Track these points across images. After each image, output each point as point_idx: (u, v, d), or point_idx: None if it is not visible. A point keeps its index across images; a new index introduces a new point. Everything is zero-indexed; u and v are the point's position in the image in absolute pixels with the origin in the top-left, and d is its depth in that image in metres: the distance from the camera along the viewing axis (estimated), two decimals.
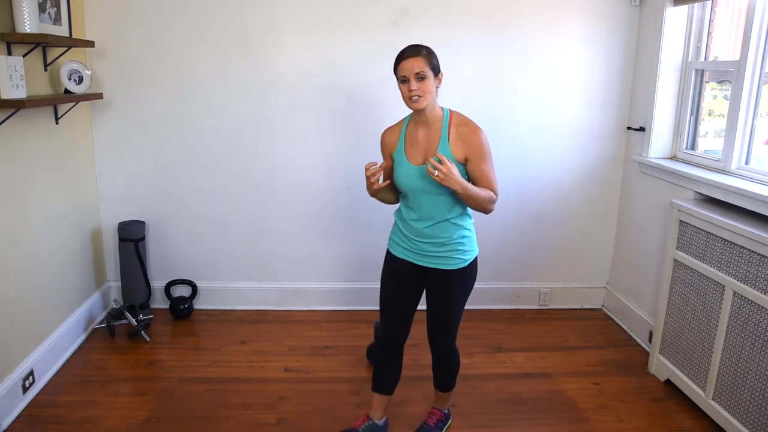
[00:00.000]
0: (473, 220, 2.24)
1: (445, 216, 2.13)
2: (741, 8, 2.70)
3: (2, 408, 2.37)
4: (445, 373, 2.39)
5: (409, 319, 2.30)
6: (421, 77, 2.02)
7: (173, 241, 3.51)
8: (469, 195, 2.02)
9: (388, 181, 2.18)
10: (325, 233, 3.53)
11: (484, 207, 2.10)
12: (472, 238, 2.21)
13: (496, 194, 2.10)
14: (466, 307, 2.23)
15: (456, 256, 2.16)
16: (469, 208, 2.18)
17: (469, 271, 2.20)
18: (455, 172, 1.96)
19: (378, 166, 2.10)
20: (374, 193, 2.19)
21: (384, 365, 2.37)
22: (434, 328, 2.29)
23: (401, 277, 2.25)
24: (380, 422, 2.41)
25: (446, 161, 1.95)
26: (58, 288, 2.94)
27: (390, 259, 2.28)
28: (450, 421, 2.52)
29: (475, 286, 2.26)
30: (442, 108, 2.14)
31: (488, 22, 3.28)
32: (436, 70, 2.07)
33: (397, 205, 2.31)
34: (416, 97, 2.03)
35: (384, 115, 3.36)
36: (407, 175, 2.13)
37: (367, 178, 2.09)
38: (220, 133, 3.36)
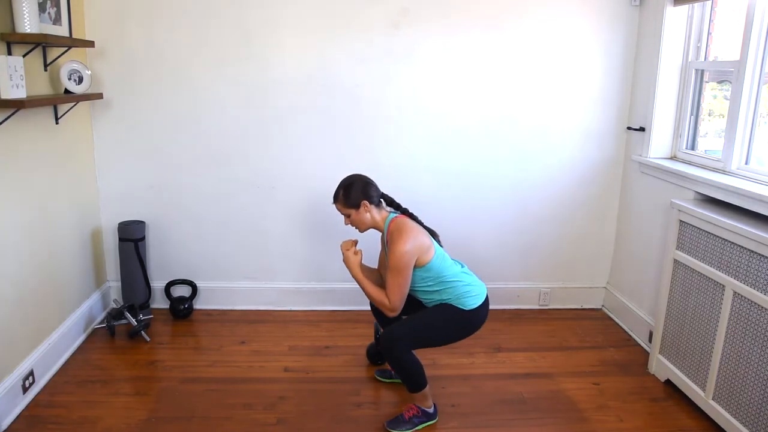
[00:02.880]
0: (456, 291, 2.42)
1: (423, 297, 2.48)
2: (741, 8, 2.70)
3: (2, 408, 2.37)
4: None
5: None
6: (346, 215, 2.47)
7: (173, 241, 3.51)
8: (360, 285, 2.43)
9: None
10: (325, 233, 3.53)
11: (375, 303, 2.42)
12: (455, 300, 2.42)
13: (389, 302, 2.36)
14: None
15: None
16: (449, 289, 2.41)
17: (446, 306, 2.42)
18: (352, 261, 2.43)
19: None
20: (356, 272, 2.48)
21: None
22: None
23: None
24: None
25: (349, 247, 2.45)
26: (58, 288, 2.94)
27: None
28: (432, 421, 2.50)
29: None
30: (386, 218, 2.47)
31: (488, 23, 3.28)
32: (355, 205, 2.42)
33: None
34: (354, 228, 2.50)
35: (383, 115, 3.39)
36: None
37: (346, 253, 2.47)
38: (220, 132, 3.35)
